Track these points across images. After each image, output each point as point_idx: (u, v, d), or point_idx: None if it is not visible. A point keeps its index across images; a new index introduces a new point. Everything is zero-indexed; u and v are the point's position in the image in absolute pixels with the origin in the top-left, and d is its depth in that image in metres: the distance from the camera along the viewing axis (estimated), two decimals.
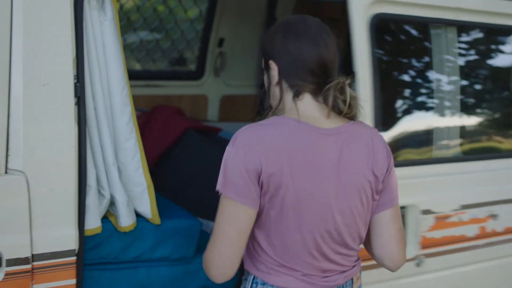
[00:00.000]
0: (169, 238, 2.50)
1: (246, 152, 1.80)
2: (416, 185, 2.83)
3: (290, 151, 1.82)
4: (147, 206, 2.42)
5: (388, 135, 2.79)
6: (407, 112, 3.05)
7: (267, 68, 1.95)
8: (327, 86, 1.85)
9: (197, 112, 4.50)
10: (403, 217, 2.71)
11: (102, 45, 2.23)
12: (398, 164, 2.31)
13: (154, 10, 4.22)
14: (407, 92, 3.11)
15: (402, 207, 2.65)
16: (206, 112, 4.55)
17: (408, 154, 3.02)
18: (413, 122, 3.06)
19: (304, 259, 1.92)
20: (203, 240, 2.45)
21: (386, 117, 2.80)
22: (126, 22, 4.12)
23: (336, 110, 1.89)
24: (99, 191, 2.29)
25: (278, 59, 1.90)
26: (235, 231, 1.85)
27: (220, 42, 4.46)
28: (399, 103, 3.06)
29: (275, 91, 1.94)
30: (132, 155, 2.35)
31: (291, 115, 1.87)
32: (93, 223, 2.24)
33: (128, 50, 3.99)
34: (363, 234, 2.01)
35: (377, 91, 2.66)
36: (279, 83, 1.91)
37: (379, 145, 1.98)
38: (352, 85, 1.93)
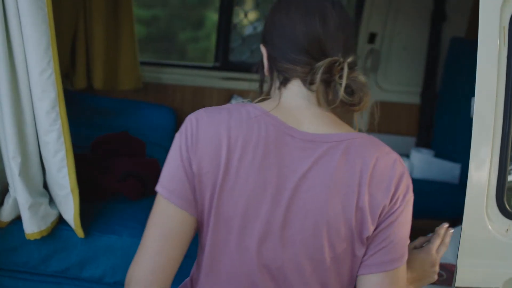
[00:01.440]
0: (102, 256, 2.09)
1: (186, 140, 1.35)
2: None
3: (233, 149, 1.32)
4: (70, 213, 2.03)
5: None
6: None
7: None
8: (315, 65, 1.34)
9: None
10: None
11: (16, 16, 1.89)
12: None
13: None
14: None
15: None
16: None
17: None
18: None
19: None
20: None
21: None
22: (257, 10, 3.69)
23: (332, 101, 1.37)
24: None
25: (267, 41, 1.42)
26: (161, 235, 1.36)
27: (371, 38, 3.75)
28: None
29: (269, 81, 1.46)
30: (54, 151, 1.99)
31: (266, 105, 1.38)
32: None
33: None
34: None
35: None
36: (269, 70, 1.43)
37: (385, 172, 1.34)
38: (356, 65, 1.39)
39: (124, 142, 2.65)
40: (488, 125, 1.74)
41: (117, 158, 2.46)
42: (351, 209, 1.32)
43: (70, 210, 2.04)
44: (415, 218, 2.48)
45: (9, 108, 1.92)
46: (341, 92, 1.31)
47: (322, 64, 1.32)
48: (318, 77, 1.32)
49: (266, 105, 1.38)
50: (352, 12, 3.75)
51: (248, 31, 4.00)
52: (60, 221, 2.09)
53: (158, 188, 1.35)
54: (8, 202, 2.02)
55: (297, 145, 1.34)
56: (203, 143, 1.33)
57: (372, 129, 3.97)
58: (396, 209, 1.35)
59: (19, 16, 1.89)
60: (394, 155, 1.39)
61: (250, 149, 1.32)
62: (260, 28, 3.91)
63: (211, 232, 1.35)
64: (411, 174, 3.49)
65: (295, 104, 1.38)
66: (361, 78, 1.35)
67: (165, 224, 1.35)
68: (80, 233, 2.05)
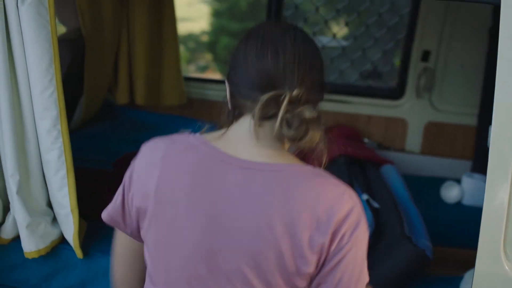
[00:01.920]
0: (102, 278, 2.05)
1: (130, 170, 1.43)
2: None
3: (164, 177, 1.34)
4: (70, 233, 2.01)
5: None
6: None
7: None
8: (259, 99, 1.30)
9: (391, 139, 3.70)
10: None
11: (19, 34, 1.89)
12: None
13: (337, 11, 3.56)
14: None
15: None
16: (404, 140, 3.71)
17: None
18: None
19: None
20: None
21: None
22: (304, 24, 3.58)
23: (276, 135, 1.30)
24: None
25: (229, 77, 1.41)
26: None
27: (425, 56, 3.56)
28: None
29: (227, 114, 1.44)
30: (55, 170, 1.97)
31: (209, 136, 1.38)
32: None
33: None
34: None
35: None
36: (230, 105, 1.42)
37: (326, 207, 1.25)
38: (305, 100, 1.31)
39: None
40: (505, 157, 1.60)
41: None
42: (285, 242, 1.24)
43: (70, 229, 2.01)
44: (466, 248, 2.32)
45: (8, 124, 1.91)
46: (276, 125, 1.26)
47: (264, 98, 1.28)
48: (257, 110, 1.28)
49: (210, 136, 1.37)
50: (405, 30, 3.58)
51: None
52: (63, 240, 2.07)
53: (103, 215, 1.44)
54: (8, 219, 2.01)
55: (233, 171, 1.30)
56: (137, 172, 1.37)
57: (425, 151, 3.76)
58: (342, 247, 1.24)
59: (22, 33, 1.88)
60: (342, 188, 1.28)
61: (181, 176, 1.31)
62: None
63: (149, 258, 1.38)
64: (461, 200, 3.28)
65: (238, 136, 1.35)
66: (307, 113, 1.27)
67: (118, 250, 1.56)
68: (79, 253, 2.01)
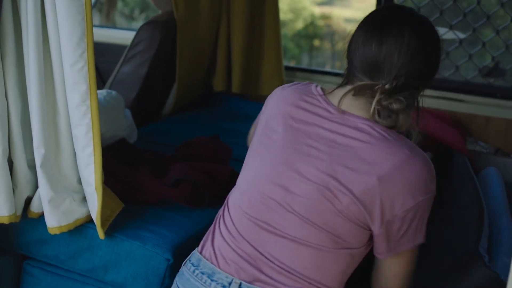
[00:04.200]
0: (123, 262, 1.99)
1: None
2: None
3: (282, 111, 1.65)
4: (94, 212, 1.96)
5: None
6: None
7: None
8: (357, 84, 1.57)
9: None
10: None
11: (52, 4, 1.86)
12: None
13: (454, 0, 3.18)
14: None
15: None
16: None
17: None
18: None
19: None
20: None
21: None
22: None
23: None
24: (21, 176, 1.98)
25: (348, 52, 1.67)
26: None
27: None
28: None
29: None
30: (82, 146, 1.93)
31: (326, 89, 1.67)
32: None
33: None
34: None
35: None
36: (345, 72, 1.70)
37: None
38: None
39: (207, 147, 2.50)
40: None
41: (178, 163, 2.32)
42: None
43: (94, 208, 1.96)
44: None
45: (36, 96, 1.89)
46: (370, 113, 1.52)
47: (358, 85, 1.54)
48: (351, 93, 1.55)
49: (326, 89, 1.65)
50: None
51: None
52: (91, 219, 2.02)
53: None
54: (37, 193, 2.00)
55: (330, 117, 1.57)
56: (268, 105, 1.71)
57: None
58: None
59: (55, 6, 1.86)
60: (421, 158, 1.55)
61: (294, 112, 1.62)
62: None
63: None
64: None
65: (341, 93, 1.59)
66: (396, 105, 1.50)
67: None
68: (101, 233, 1.95)
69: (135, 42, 3.08)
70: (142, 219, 2.07)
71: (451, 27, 3.28)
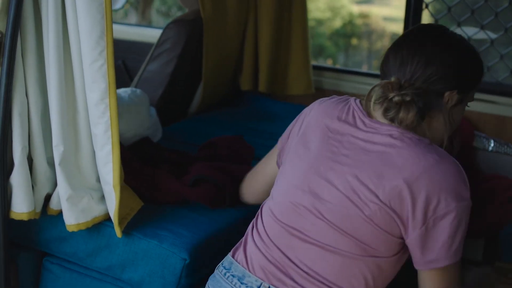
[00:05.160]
0: (140, 261, 1.99)
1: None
2: None
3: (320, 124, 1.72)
4: (112, 210, 1.97)
5: None
6: None
7: None
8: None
9: None
10: None
11: (73, 4, 1.87)
12: None
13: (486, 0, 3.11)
14: None
15: None
16: None
17: None
18: None
19: None
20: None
21: None
22: (447, 14, 3.18)
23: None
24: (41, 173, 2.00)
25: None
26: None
27: None
28: None
29: None
30: (101, 144, 1.94)
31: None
32: (19, 207, 1.97)
33: None
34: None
35: None
36: None
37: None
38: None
39: (229, 147, 2.49)
40: None
41: (199, 163, 2.31)
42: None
43: (112, 206, 1.96)
44: None
45: (55, 94, 1.91)
46: (370, 105, 1.62)
47: (373, 87, 1.61)
48: (367, 94, 1.63)
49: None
50: None
51: None
52: (109, 217, 2.03)
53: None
54: (56, 191, 2.02)
55: (364, 128, 1.62)
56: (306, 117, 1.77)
57: None
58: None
59: (75, 5, 1.87)
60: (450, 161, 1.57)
61: (331, 124, 1.67)
62: None
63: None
64: None
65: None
66: (395, 98, 1.56)
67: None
68: (118, 232, 1.96)
69: (161, 41, 3.08)
70: (160, 218, 2.07)
71: (482, 27, 3.21)
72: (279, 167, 1.86)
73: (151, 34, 3.87)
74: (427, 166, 1.51)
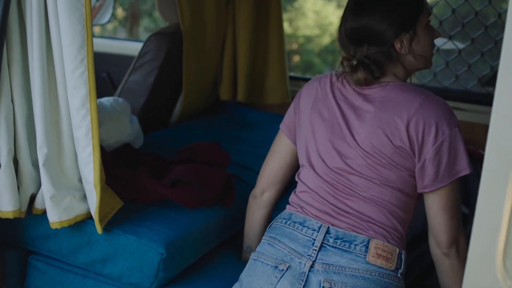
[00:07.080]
0: (120, 256, 2.11)
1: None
2: None
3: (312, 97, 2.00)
4: (93, 208, 2.09)
5: None
6: None
7: None
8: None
9: None
10: None
11: (56, 16, 2.01)
12: None
13: (453, 11, 3.27)
14: None
15: None
16: None
17: None
18: None
19: None
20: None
21: None
22: None
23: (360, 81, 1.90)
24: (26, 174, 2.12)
25: None
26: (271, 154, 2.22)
27: None
28: None
29: None
30: (83, 146, 2.07)
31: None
32: (5, 206, 2.08)
33: None
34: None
35: None
36: None
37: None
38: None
39: (206, 152, 2.62)
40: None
41: (179, 165, 2.44)
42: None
43: (93, 205, 2.08)
44: None
45: (39, 100, 2.02)
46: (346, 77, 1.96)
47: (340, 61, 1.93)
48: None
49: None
50: None
51: None
52: (91, 215, 2.15)
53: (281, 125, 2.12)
54: (40, 191, 2.14)
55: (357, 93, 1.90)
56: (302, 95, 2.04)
57: None
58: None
59: (58, 17, 2.00)
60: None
61: (320, 95, 1.97)
62: None
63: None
64: None
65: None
66: (347, 67, 1.88)
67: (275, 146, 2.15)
68: (98, 228, 2.08)
69: (143, 52, 3.22)
70: (139, 216, 2.20)
71: (450, 38, 3.37)
72: (294, 142, 2.08)
73: (135, 48, 4.00)
74: (418, 106, 1.79)
